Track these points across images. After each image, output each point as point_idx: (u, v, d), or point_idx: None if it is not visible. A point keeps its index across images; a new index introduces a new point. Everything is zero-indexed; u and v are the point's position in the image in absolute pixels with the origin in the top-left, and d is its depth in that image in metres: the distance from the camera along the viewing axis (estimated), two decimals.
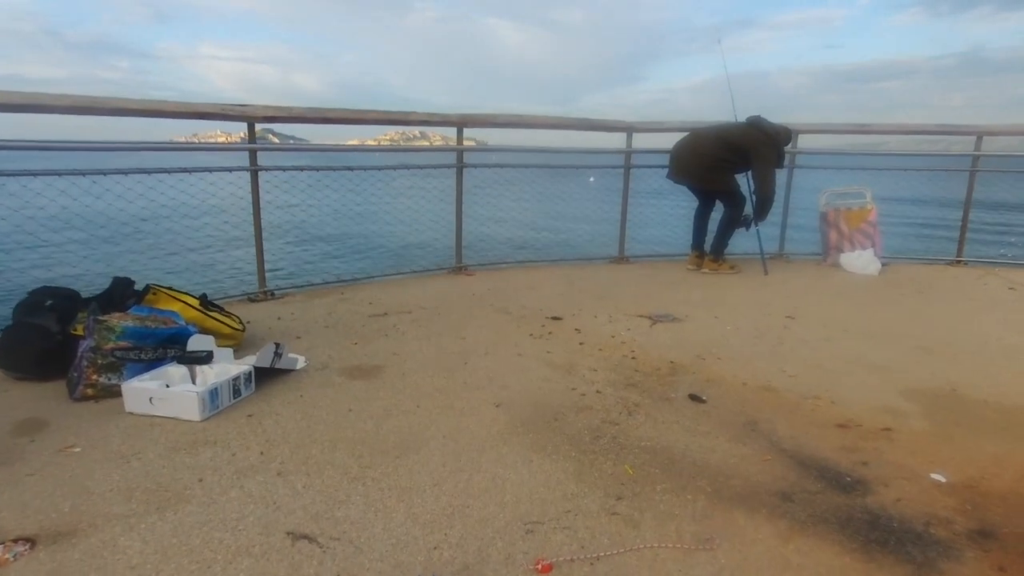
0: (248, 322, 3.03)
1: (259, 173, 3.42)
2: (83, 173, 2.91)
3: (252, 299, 3.53)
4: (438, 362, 2.51)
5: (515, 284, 3.96)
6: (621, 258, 4.90)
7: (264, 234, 3.55)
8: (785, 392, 2.21)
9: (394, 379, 2.33)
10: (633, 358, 2.56)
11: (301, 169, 3.65)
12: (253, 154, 3.41)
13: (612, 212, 4.97)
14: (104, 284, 2.72)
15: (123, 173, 3.02)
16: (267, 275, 3.62)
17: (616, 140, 4.79)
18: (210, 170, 3.34)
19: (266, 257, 3.62)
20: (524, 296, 3.62)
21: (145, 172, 3.10)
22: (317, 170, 3.73)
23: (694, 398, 2.13)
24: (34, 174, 2.78)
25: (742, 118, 4.50)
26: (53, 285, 2.55)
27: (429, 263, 4.52)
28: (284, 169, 3.57)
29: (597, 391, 2.20)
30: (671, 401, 2.11)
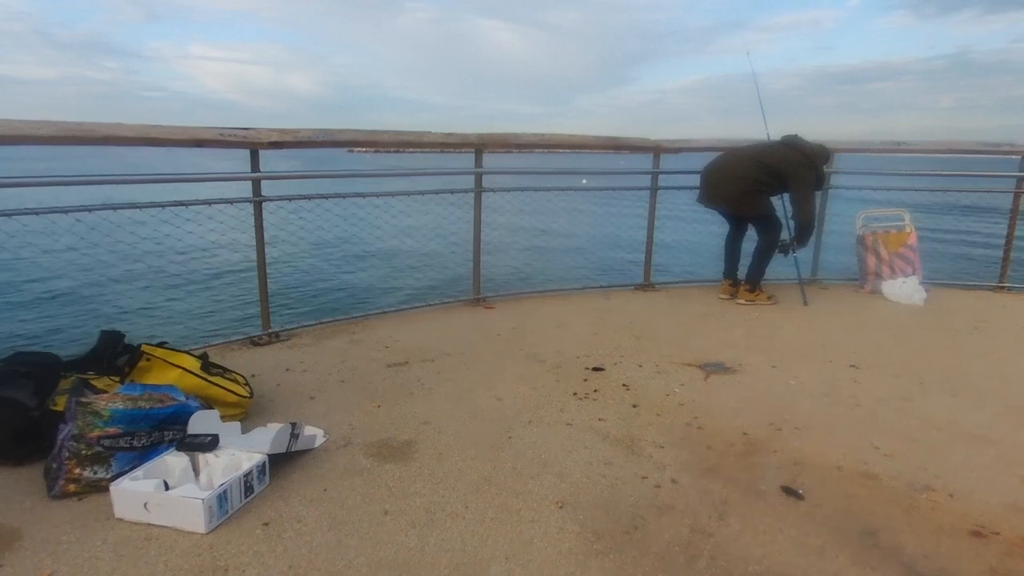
0: (253, 375, 2.70)
1: (263, 204, 3.09)
2: (65, 211, 2.55)
3: (256, 342, 3.19)
4: (477, 435, 2.18)
5: (541, 320, 3.64)
6: (647, 285, 4.60)
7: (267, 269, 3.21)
8: (889, 480, 1.90)
9: (431, 462, 2.00)
10: (699, 428, 2.24)
11: (309, 198, 3.30)
12: (257, 183, 3.06)
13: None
14: (92, 336, 2.38)
15: (112, 208, 2.67)
16: (271, 312, 3.28)
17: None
18: (209, 203, 2.99)
19: (269, 291, 3.27)
20: (554, 337, 3.30)
21: (136, 207, 2.74)
22: (326, 198, 3.39)
23: (789, 492, 1.81)
24: (8, 214, 2.42)
25: (775, 136, 4.22)
26: (30, 349, 2.20)
27: (444, 292, 4.20)
28: (291, 199, 3.23)
29: (672, 480, 1.88)
30: (763, 496, 1.80)
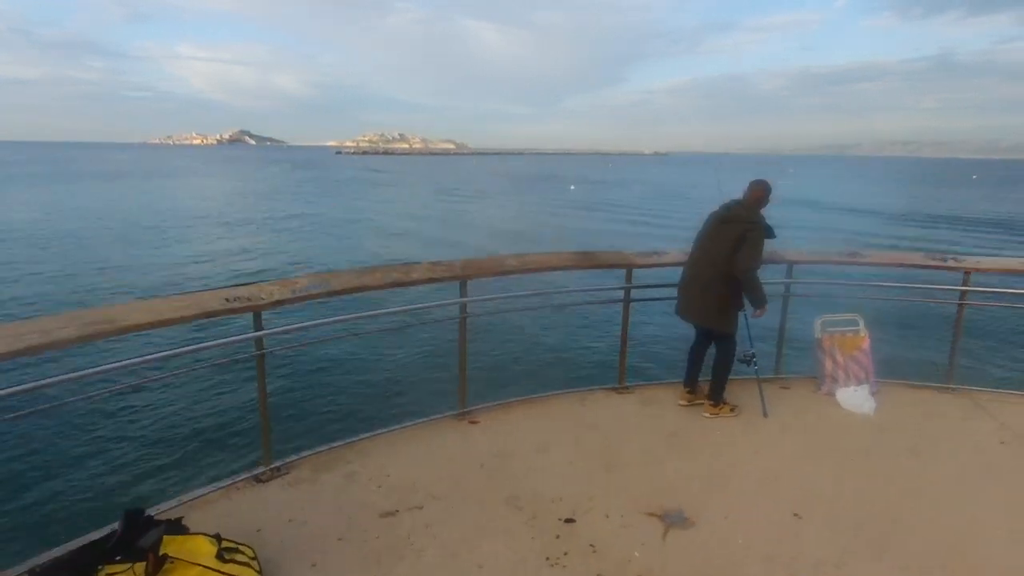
0: (259, 530, 2.99)
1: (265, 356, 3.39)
2: (89, 397, 2.83)
3: (259, 479, 3.48)
4: None
5: (522, 442, 3.96)
6: (622, 388, 4.93)
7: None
8: None
9: None
10: None
11: (305, 345, 3.60)
12: (259, 341, 3.36)
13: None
14: (114, 502, 2.66)
15: (133, 389, 2.95)
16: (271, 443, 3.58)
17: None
18: (216, 364, 3.28)
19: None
20: (533, 470, 3.63)
21: (150, 381, 3.03)
22: (325, 341, 3.69)
23: None
24: (35, 411, 2.70)
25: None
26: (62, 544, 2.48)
27: (434, 401, 4.50)
28: (292, 347, 3.51)
29: None
30: None
